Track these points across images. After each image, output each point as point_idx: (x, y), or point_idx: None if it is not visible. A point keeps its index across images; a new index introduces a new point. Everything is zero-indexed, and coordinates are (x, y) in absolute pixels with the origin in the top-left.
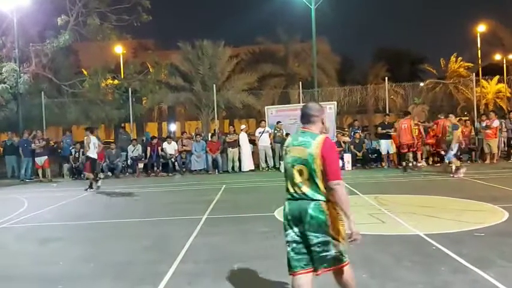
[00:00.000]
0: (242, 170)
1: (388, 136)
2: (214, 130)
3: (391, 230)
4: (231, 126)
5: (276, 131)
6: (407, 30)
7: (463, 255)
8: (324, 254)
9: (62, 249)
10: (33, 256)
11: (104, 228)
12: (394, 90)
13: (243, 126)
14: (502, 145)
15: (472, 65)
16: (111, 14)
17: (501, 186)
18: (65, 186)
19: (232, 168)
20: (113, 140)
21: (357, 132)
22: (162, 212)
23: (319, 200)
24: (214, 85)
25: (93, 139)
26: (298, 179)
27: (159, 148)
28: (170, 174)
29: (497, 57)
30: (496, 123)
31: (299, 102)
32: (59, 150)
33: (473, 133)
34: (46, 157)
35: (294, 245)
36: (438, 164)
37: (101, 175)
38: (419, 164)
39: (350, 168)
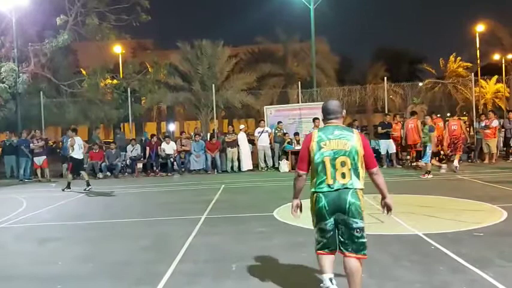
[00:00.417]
0: (241, 170)
1: (387, 136)
2: (213, 130)
3: (390, 229)
4: (230, 126)
5: (276, 131)
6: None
7: (461, 255)
8: (362, 240)
9: (60, 249)
10: (32, 256)
11: (102, 228)
12: (393, 90)
13: (242, 126)
14: (501, 145)
15: (471, 64)
16: (110, 14)
17: (500, 186)
18: (64, 186)
19: (231, 168)
20: (112, 140)
21: None
22: (161, 212)
23: (356, 188)
24: (213, 85)
25: (78, 140)
26: (340, 169)
27: (158, 148)
28: (169, 174)
29: (496, 57)
30: (495, 123)
31: (298, 102)
32: (58, 150)
33: (472, 133)
34: (45, 157)
35: (326, 234)
36: (438, 164)
37: (100, 175)
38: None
39: None
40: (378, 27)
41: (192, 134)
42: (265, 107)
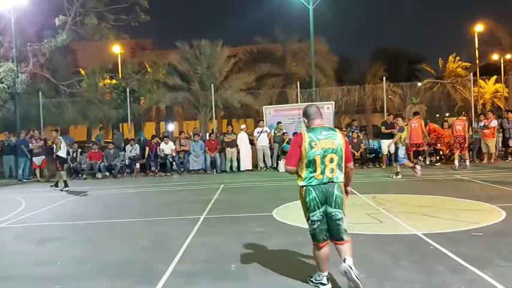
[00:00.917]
0: (240, 169)
1: (390, 136)
2: (212, 130)
3: (389, 229)
4: (230, 126)
5: (276, 131)
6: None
7: (460, 255)
8: (344, 227)
9: (59, 249)
10: (30, 256)
11: (101, 228)
12: (392, 90)
13: (242, 126)
14: (500, 145)
15: (469, 64)
16: (109, 14)
17: (499, 186)
18: (62, 186)
19: (231, 168)
20: (111, 140)
21: (354, 132)
22: (160, 212)
23: (340, 182)
24: (212, 85)
25: (62, 139)
26: (329, 165)
27: (158, 148)
28: (168, 174)
29: (495, 57)
30: (494, 123)
31: (297, 102)
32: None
33: (471, 133)
34: (44, 157)
35: (319, 223)
36: (437, 164)
37: (99, 175)
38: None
39: None
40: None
41: (191, 134)
42: (264, 107)
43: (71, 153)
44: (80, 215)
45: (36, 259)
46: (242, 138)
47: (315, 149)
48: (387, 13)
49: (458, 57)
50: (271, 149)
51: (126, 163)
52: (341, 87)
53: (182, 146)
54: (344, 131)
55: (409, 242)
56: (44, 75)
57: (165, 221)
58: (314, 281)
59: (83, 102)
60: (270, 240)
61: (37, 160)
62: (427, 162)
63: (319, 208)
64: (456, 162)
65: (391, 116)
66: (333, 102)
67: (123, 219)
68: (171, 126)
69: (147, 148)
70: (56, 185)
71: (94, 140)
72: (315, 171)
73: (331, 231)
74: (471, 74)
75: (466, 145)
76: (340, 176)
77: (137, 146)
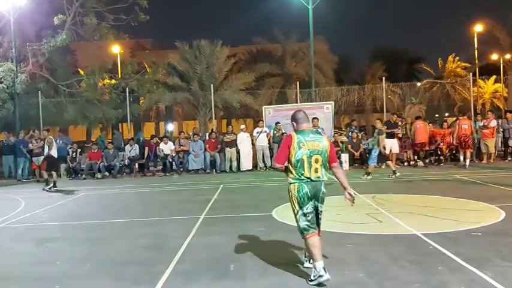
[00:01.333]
0: (240, 169)
1: (392, 135)
2: (212, 129)
3: (388, 229)
4: (230, 126)
5: (275, 132)
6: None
7: (460, 255)
8: (321, 218)
9: (59, 249)
10: (30, 256)
11: (101, 228)
12: (392, 90)
13: (242, 126)
14: (499, 145)
15: (469, 65)
16: (109, 14)
17: (498, 186)
18: (62, 186)
19: (230, 168)
20: (110, 140)
21: (354, 132)
22: (160, 212)
23: (324, 180)
24: (211, 85)
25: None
26: (314, 165)
27: (157, 148)
28: (168, 174)
29: (494, 57)
30: (493, 123)
31: (296, 102)
32: None
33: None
34: (43, 157)
35: (310, 216)
36: (436, 164)
37: (98, 175)
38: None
39: (347, 168)
40: (376, 27)
41: (191, 134)
42: (263, 107)
43: (70, 153)
44: (80, 215)
45: (36, 259)
46: (242, 138)
47: (303, 149)
48: (387, 13)
49: (457, 57)
50: (270, 149)
51: (126, 163)
52: (340, 87)
53: (182, 146)
54: (344, 131)
55: (408, 242)
56: (44, 75)
57: (164, 221)
58: (313, 278)
59: (82, 102)
60: (270, 240)
61: (37, 160)
62: (427, 161)
63: (308, 202)
64: (465, 161)
65: (395, 115)
66: (333, 102)
67: (122, 219)
68: (171, 126)
69: (146, 148)
70: (47, 184)
71: (97, 140)
72: (303, 169)
73: (317, 223)
74: (470, 74)
75: (471, 144)
76: (324, 175)
77: (136, 146)
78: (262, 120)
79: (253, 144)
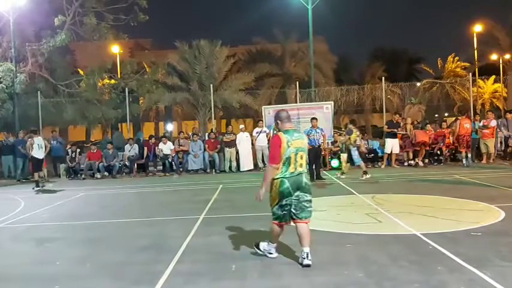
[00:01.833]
0: (241, 169)
1: (394, 135)
2: (211, 130)
3: (387, 229)
4: (229, 126)
5: (275, 131)
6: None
7: (459, 255)
8: (309, 208)
9: (58, 249)
10: (30, 256)
11: (100, 228)
12: (391, 90)
13: (241, 126)
14: (499, 145)
15: (468, 65)
16: (108, 14)
17: (498, 186)
18: (61, 186)
19: (230, 168)
20: (108, 140)
21: None
22: (159, 212)
23: (305, 173)
24: (211, 85)
25: (37, 140)
26: (299, 161)
27: (156, 148)
28: (167, 174)
29: (494, 57)
30: (493, 123)
31: (296, 102)
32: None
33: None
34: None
35: (289, 207)
36: (436, 164)
37: (98, 175)
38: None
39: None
40: (376, 27)
41: (190, 134)
42: (263, 107)
43: (70, 154)
44: (79, 215)
45: (35, 259)
46: (242, 138)
47: (291, 147)
48: (386, 13)
49: (457, 57)
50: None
51: (126, 163)
52: (340, 87)
53: (181, 146)
54: (343, 131)
55: (408, 242)
56: (43, 75)
57: (164, 221)
58: (262, 249)
59: (81, 102)
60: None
61: None
62: (426, 161)
63: (291, 195)
64: (467, 159)
65: (397, 115)
66: (332, 102)
67: (122, 219)
68: (170, 126)
69: (145, 148)
70: (37, 185)
71: (106, 140)
72: (289, 166)
73: (298, 210)
74: (470, 74)
75: (470, 143)
76: (305, 169)
77: (136, 146)
78: (262, 120)
79: (252, 144)
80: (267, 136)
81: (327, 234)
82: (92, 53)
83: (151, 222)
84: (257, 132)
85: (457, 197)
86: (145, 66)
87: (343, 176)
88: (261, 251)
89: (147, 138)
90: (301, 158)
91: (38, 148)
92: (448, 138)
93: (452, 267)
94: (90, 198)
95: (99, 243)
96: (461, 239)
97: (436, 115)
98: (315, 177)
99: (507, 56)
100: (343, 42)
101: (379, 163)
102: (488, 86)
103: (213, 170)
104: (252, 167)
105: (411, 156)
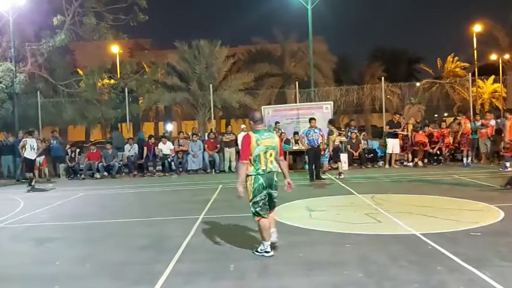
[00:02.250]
0: None
1: (395, 135)
2: (211, 129)
3: (387, 229)
4: (229, 126)
5: (275, 131)
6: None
7: (459, 255)
8: (276, 201)
9: (58, 249)
10: (29, 256)
11: (100, 228)
12: (391, 90)
13: (243, 126)
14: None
15: (468, 65)
16: (108, 14)
17: (497, 186)
18: (61, 186)
19: (229, 168)
20: (109, 140)
21: (353, 132)
22: (159, 212)
23: (276, 171)
24: (210, 85)
25: (30, 141)
26: (269, 159)
27: (156, 148)
28: (167, 174)
29: (493, 57)
30: (492, 122)
31: (295, 102)
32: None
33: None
34: (43, 157)
35: (264, 201)
36: (436, 164)
37: (97, 175)
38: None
39: (346, 168)
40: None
41: (190, 134)
42: (263, 107)
43: (69, 154)
44: (79, 215)
45: (35, 259)
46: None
47: (260, 146)
48: (386, 13)
49: (456, 58)
50: None
51: (126, 163)
52: (340, 87)
53: (181, 146)
54: (343, 130)
55: (407, 242)
56: (42, 75)
57: (164, 221)
58: (259, 251)
59: (81, 102)
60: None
61: (37, 160)
62: (426, 161)
63: (265, 190)
64: (468, 158)
65: (398, 115)
66: (332, 102)
67: (121, 219)
68: (170, 126)
69: (145, 148)
70: (30, 184)
71: (108, 140)
72: (260, 163)
73: (269, 206)
74: (469, 74)
75: (470, 143)
76: (276, 166)
77: (136, 146)
78: None
79: None
80: None
81: (327, 234)
82: (92, 53)
83: (151, 222)
84: None
85: (457, 197)
86: (145, 66)
87: (341, 176)
88: (259, 253)
89: (147, 138)
90: (271, 155)
91: (30, 149)
92: (448, 138)
93: (452, 267)
94: (90, 198)
95: (99, 243)
96: (461, 239)
97: (436, 115)
98: (314, 177)
99: (506, 56)
100: (343, 42)
101: (379, 163)
102: (488, 86)
103: (213, 170)
104: None
105: (410, 157)
